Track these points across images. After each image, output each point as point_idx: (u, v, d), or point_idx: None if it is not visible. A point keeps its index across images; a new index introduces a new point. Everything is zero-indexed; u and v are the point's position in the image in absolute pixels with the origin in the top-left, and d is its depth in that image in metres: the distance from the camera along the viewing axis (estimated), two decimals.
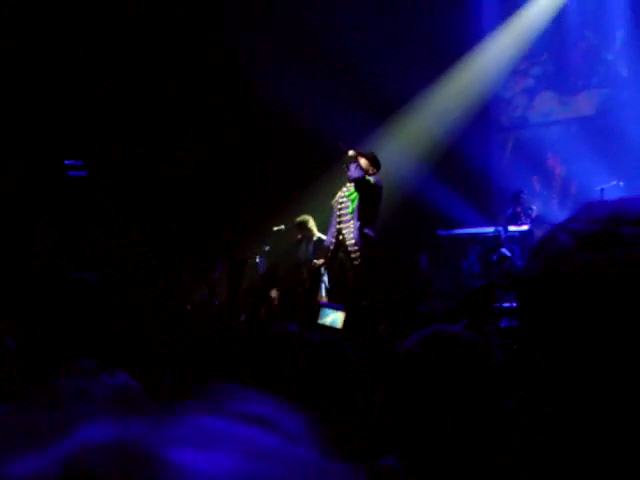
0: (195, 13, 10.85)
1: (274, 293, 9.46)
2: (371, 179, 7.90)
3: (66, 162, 10.57)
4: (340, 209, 8.14)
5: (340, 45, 10.59)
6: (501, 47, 11.51)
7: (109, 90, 10.37)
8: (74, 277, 2.78)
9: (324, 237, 9.09)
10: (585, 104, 11.33)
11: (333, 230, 8.23)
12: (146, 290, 6.52)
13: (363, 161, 7.96)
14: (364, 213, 7.92)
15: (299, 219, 9.54)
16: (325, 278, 8.77)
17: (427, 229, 10.78)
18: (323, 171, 10.40)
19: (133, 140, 10.65)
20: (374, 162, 8.08)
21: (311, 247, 9.31)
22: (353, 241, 7.97)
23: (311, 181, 10.55)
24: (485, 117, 11.36)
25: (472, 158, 10.64)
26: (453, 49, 11.31)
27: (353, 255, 7.98)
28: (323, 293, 8.75)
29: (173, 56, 10.75)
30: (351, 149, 7.96)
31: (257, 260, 9.81)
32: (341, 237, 8.09)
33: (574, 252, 0.75)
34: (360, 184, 7.84)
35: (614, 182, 9.43)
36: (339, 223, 8.12)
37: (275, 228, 9.85)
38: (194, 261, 10.26)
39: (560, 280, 0.74)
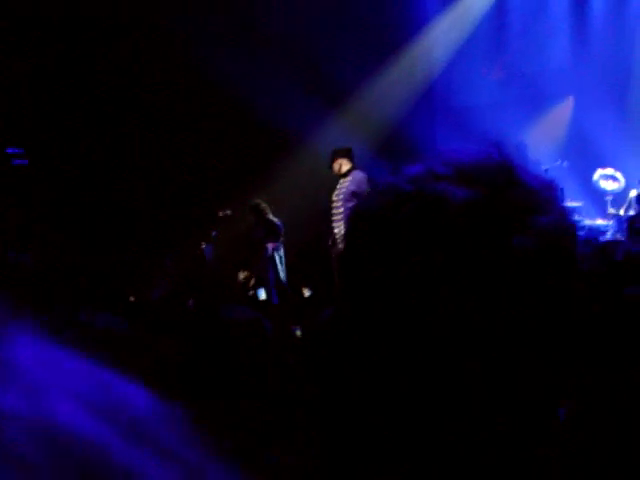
0: None
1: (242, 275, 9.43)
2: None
3: (9, 150, 10.35)
4: (333, 208, 8.36)
5: (283, 30, 10.50)
6: (444, 31, 11.59)
7: (48, 78, 10.14)
8: (10, 258, 2.74)
9: (276, 220, 9.20)
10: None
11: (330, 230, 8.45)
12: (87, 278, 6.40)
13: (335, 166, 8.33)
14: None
15: (252, 202, 9.45)
16: (278, 262, 8.85)
17: None
18: (269, 156, 10.37)
19: (74, 129, 10.42)
20: (343, 159, 8.33)
21: (263, 230, 9.27)
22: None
23: (255, 166, 10.49)
24: (430, 101, 11.43)
25: (418, 141, 10.71)
26: (398, 34, 11.35)
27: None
28: (275, 277, 8.77)
29: (117, 39, 10.51)
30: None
31: (203, 247, 9.72)
32: (335, 233, 8.28)
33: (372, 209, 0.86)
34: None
35: (558, 162, 9.55)
36: (332, 222, 8.34)
37: (221, 213, 9.74)
38: (139, 251, 10.11)
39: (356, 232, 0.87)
